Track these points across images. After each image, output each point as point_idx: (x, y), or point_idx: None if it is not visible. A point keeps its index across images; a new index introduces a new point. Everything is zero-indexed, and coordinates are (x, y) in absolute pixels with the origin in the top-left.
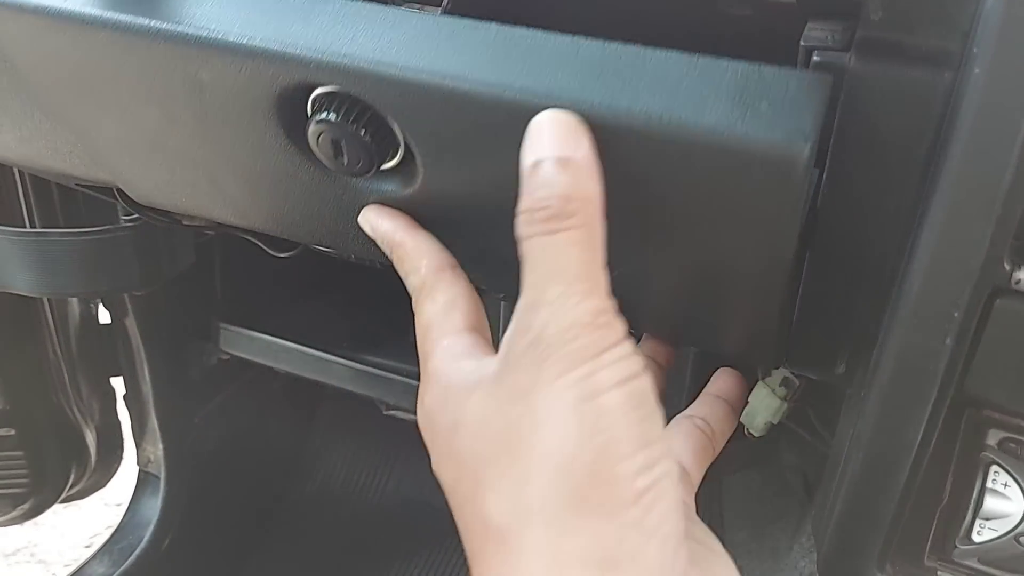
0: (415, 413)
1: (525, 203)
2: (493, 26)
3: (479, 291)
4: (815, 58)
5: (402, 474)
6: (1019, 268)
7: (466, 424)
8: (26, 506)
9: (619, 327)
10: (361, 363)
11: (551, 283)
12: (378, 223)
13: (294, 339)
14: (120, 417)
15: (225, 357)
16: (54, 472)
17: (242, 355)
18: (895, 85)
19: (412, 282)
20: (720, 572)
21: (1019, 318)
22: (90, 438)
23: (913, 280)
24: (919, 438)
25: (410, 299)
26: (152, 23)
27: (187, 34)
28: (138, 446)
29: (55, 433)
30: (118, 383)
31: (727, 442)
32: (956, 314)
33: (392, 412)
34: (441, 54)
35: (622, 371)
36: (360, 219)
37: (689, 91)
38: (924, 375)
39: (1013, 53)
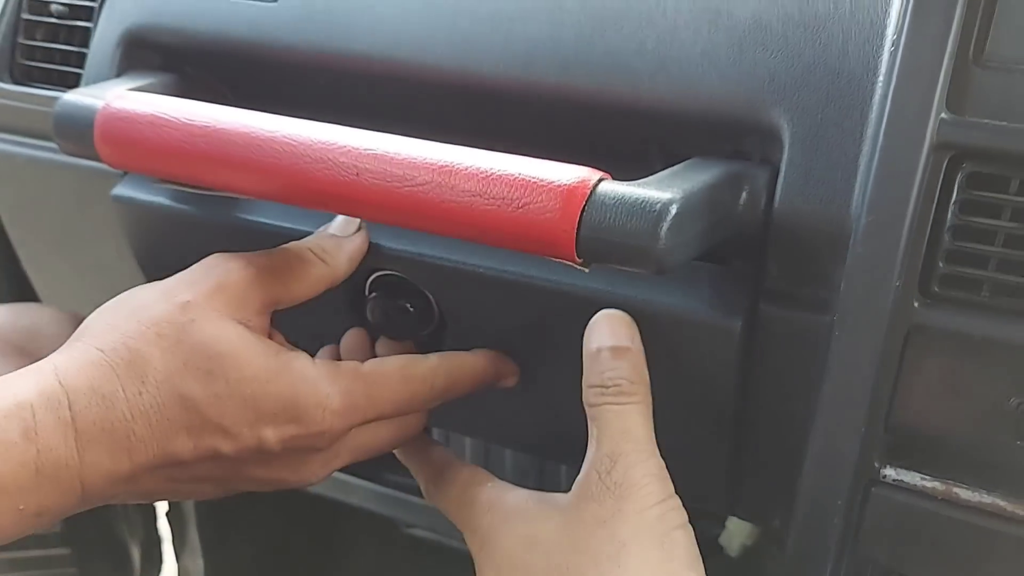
0: (434, 531)
1: (594, 379)
2: None
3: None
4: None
5: None
6: (885, 466)
7: (544, 542)
8: None
9: (670, 482)
10: (380, 483)
11: (625, 441)
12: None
13: None
14: (161, 532)
15: None
16: None
17: (313, 485)
18: (790, 326)
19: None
20: None
21: (890, 501)
22: (135, 552)
23: (808, 470)
24: None
25: None
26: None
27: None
28: (179, 560)
29: (104, 551)
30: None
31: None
32: (839, 502)
33: (411, 530)
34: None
35: (681, 516)
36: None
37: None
38: (821, 545)
39: (867, 302)
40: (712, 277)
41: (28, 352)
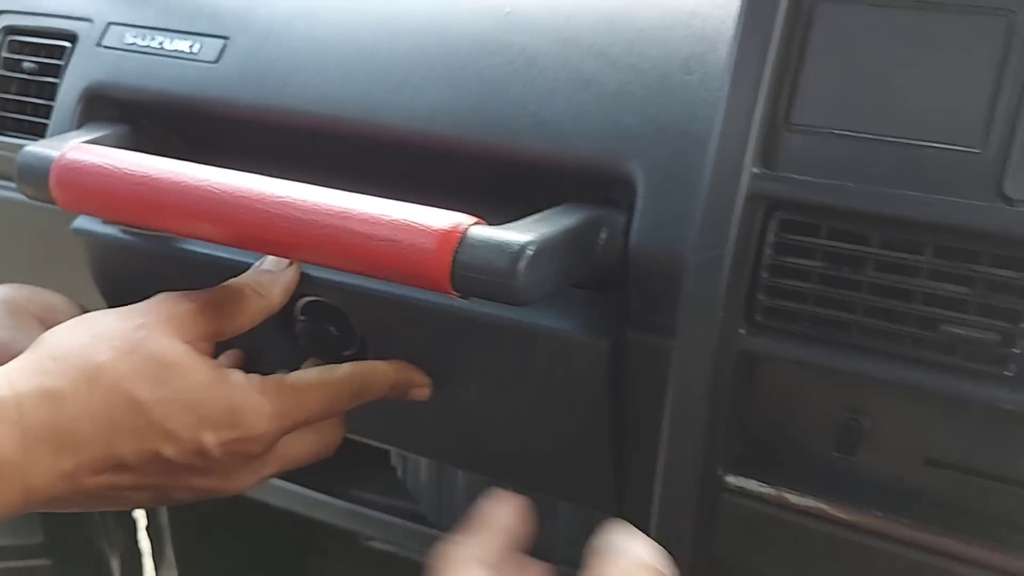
0: (390, 544)
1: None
2: None
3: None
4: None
5: None
6: (730, 474)
7: None
8: None
9: None
10: (343, 499)
11: None
12: None
13: (289, 479)
14: (141, 546)
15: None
16: None
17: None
18: (652, 350)
19: None
20: None
21: (738, 508)
22: (115, 567)
23: (659, 479)
24: None
25: None
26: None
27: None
28: (156, 572)
29: (85, 563)
30: (140, 514)
31: None
32: (689, 507)
33: (371, 543)
34: None
35: None
36: None
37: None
38: (677, 549)
39: (697, 330)
40: (586, 304)
41: (48, 324)
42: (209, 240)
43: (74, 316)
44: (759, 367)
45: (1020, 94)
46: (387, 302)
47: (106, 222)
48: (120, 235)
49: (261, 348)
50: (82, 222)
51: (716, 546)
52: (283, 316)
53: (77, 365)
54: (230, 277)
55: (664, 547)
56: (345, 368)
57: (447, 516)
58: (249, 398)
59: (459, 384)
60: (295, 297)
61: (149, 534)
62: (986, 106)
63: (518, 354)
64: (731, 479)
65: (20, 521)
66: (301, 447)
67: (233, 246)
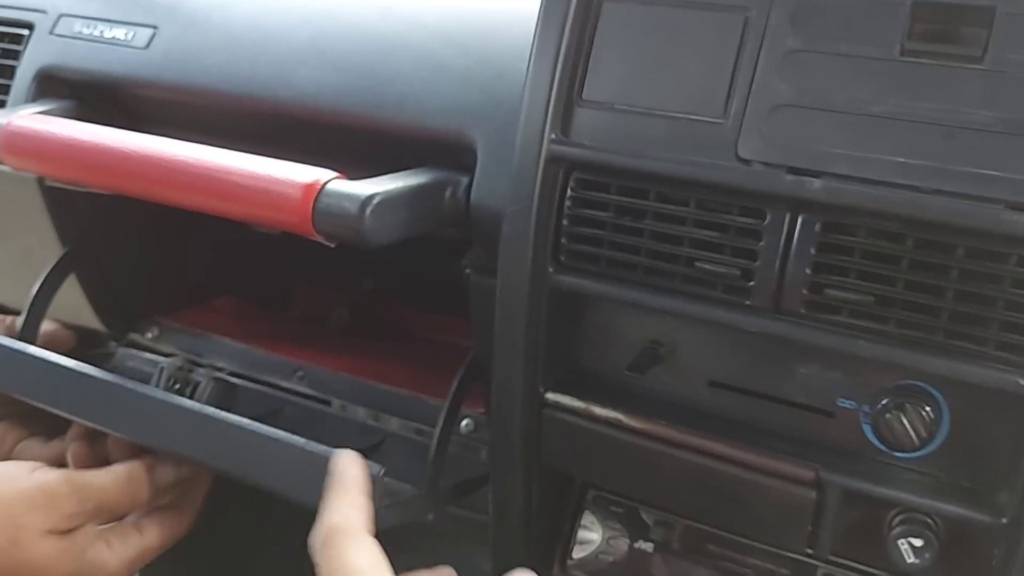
0: None
1: None
2: None
3: None
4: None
5: None
6: (550, 391)
7: None
8: None
9: None
10: None
11: None
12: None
13: None
14: None
15: None
16: None
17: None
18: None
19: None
20: None
21: (557, 420)
22: None
23: (492, 396)
24: (519, 491)
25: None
26: None
27: None
28: None
29: None
30: None
31: None
32: (515, 417)
33: None
34: None
35: None
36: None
37: None
38: (508, 457)
39: (512, 269)
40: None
41: None
42: (125, 193)
43: None
44: (579, 301)
45: (751, 75)
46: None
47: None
48: None
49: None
50: None
51: (543, 454)
52: None
53: None
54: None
55: (501, 457)
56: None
57: None
58: (97, 558)
59: None
60: None
61: None
62: (726, 85)
63: None
64: (551, 396)
65: None
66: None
67: (143, 197)
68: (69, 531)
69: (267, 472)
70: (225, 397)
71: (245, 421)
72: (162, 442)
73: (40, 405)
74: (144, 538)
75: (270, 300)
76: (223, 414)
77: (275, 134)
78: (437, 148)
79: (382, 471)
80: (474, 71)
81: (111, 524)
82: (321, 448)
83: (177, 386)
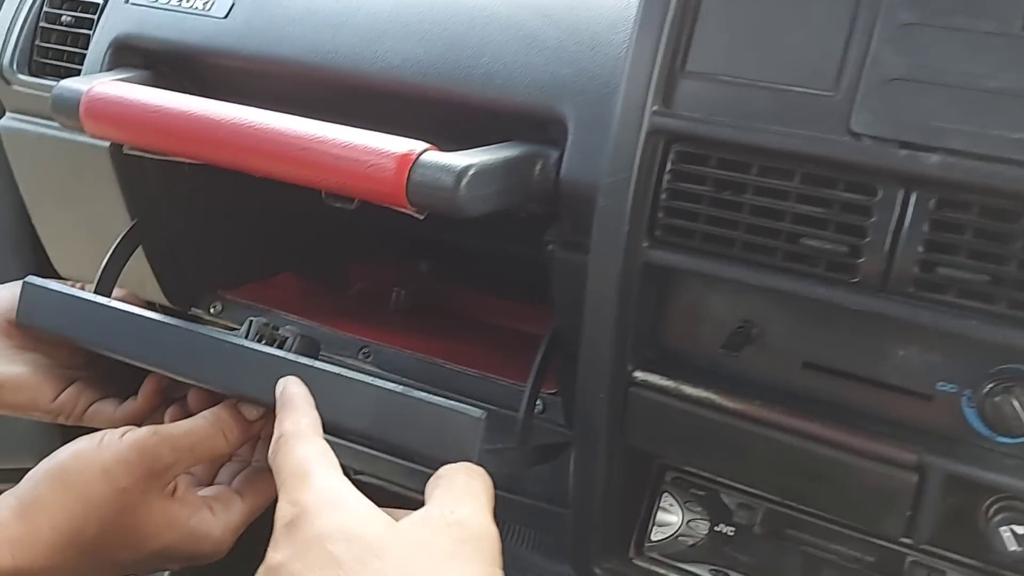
0: (377, 477)
1: None
2: None
3: None
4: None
5: None
6: (638, 370)
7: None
8: None
9: None
10: (335, 434)
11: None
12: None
13: None
14: None
15: None
16: None
17: None
18: (579, 266)
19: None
20: None
21: (644, 399)
22: None
23: (579, 374)
24: (602, 473)
25: None
26: None
27: None
28: None
29: None
30: None
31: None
32: (602, 395)
33: (359, 476)
34: None
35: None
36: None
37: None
38: (593, 435)
39: (606, 242)
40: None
41: (9, 318)
42: (210, 161)
43: None
44: (669, 278)
45: (865, 48)
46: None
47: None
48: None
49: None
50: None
51: (627, 433)
52: None
53: (69, 539)
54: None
55: (585, 436)
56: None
57: None
58: (201, 527)
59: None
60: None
61: None
62: (839, 57)
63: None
64: (639, 374)
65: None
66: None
67: (229, 167)
68: (173, 495)
69: (372, 420)
70: (310, 354)
71: (347, 371)
72: (257, 391)
73: (130, 360)
74: (246, 503)
75: (327, 279)
76: (323, 364)
77: (354, 106)
78: (523, 122)
79: (484, 415)
80: (565, 43)
81: (214, 491)
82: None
83: (263, 341)
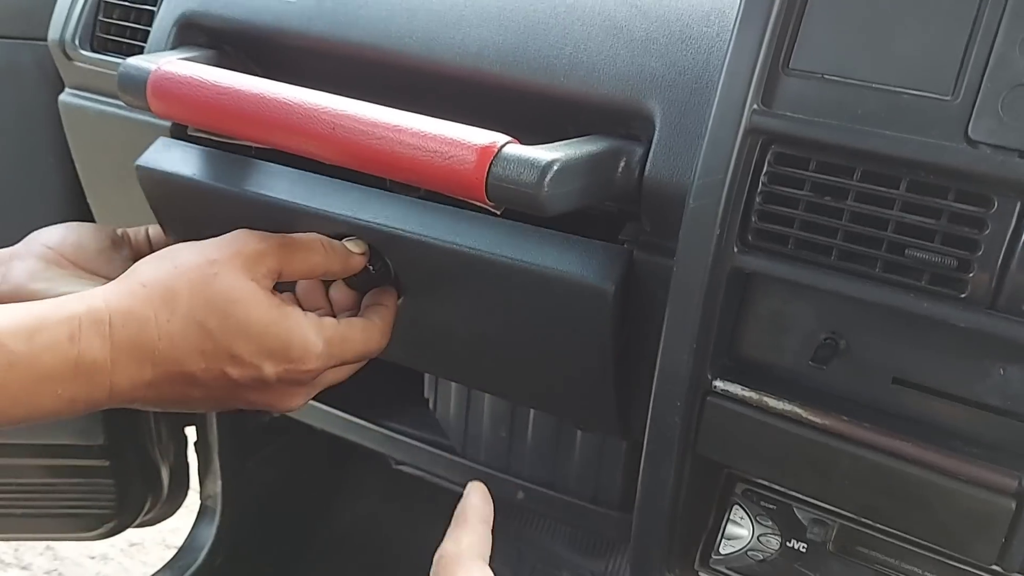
0: (418, 468)
1: None
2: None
3: None
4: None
5: (416, 523)
6: (717, 379)
7: None
8: (109, 526)
9: None
10: (377, 424)
11: None
12: None
13: (329, 404)
14: (189, 460)
15: (276, 415)
16: (134, 500)
17: (288, 415)
18: (660, 270)
19: None
20: None
21: (722, 409)
22: (165, 475)
23: (657, 381)
24: (671, 482)
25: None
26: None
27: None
28: (202, 484)
29: (139, 468)
30: (191, 431)
31: None
32: (679, 403)
33: (400, 467)
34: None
35: None
36: None
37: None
38: (666, 443)
39: (695, 245)
40: (594, 250)
41: (78, 263)
42: (280, 147)
43: (103, 248)
44: (751, 285)
45: (988, 51)
46: (421, 245)
47: (172, 160)
48: (179, 175)
49: None
50: (146, 158)
51: (699, 444)
52: None
53: (160, 293)
54: (283, 221)
55: (657, 442)
56: (380, 325)
57: (472, 447)
58: (305, 337)
59: (482, 321)
60: (339, 236)
61: (197, 450)
62: (958, 59)
63: (534, 296)
64: (719, 383)
65: (84, 423)
66: (338, 376)
67: (300, 153)
68: (279, 304)
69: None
70: None
71: None
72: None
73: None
74: (341, 324)
75: None
76: None
77: (425, 94)
78: (606, 116)
79: None
80: (654, 35)
81: (320, 316)
82: None
83: None
